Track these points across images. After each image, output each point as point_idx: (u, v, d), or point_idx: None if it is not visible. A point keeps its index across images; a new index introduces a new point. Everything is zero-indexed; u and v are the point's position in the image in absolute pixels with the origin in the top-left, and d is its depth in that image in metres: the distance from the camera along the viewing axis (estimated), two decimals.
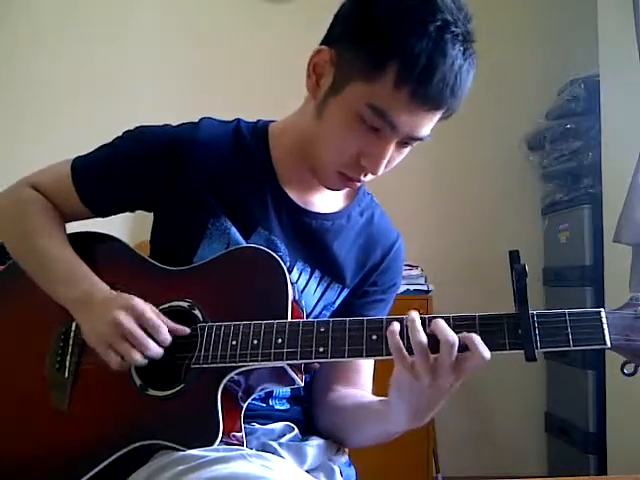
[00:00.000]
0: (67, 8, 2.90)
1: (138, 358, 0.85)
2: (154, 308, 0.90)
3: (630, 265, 2.03)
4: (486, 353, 0.75)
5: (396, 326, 0.78)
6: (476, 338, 0.76)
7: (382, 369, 1.02)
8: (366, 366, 1.06)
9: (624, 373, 0.79)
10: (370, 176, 0.93)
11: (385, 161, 0.89)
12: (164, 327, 0.88)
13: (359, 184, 0.96)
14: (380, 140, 0.88)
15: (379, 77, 0.83)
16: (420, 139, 0.89)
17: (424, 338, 0.76)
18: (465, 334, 0.76)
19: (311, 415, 1.05)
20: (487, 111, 2.95)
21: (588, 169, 2.57)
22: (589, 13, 2.56)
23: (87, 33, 2.90)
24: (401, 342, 0.77)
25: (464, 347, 0.76)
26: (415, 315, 0.78)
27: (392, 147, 0.89)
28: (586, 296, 2.44)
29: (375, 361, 1.04)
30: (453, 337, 0.75)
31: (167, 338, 0.87)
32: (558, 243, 2.73)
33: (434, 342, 0.76)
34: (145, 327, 0.87)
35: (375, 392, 1.04)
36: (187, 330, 0.89)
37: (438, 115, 0.87)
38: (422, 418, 0.83)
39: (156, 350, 0.86)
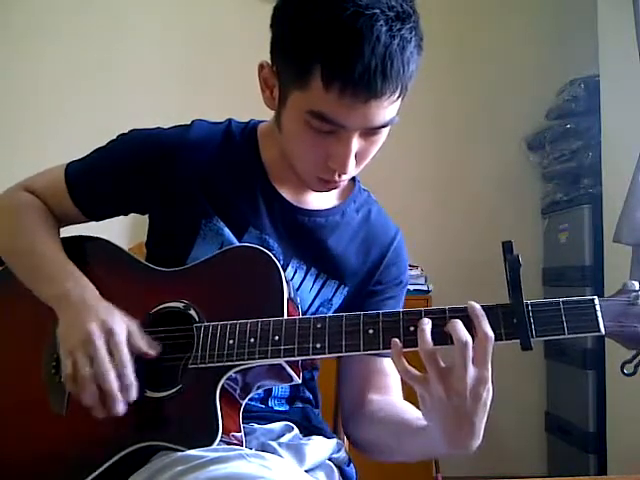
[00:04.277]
0: (66, 8, 2.90)
1: (88, 377, 0.82)
2: (135, 330, 0.87)
3: (630, 265, 2.03)
4: (489, 332, 0.75)
5: (397, 345, 0.77)
6: (480, 315, 0.76)
7: None
8: (391, 367, 1.04)
9: (624, 373, 0.79)
10: (346, 176, 0.91)
11: (351, 159, 0.87)
12: (129, 370, 0.83)
13: (340, 184, 0.95)
14: (338, 141, 0.85)
15: (308, 83, 0.81)
16: (383, 126, 0.86)
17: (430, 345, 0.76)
18: (471, 308, 0.77)
19: (345, 427, 1.05)
20: (487, 111, 2.96)
21: (588, 169, 2.57)
22: (589, 13, 2.56)
23: (85, 33, 2.90)
24: (407, 364, 0.77)
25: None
26: (427, 326, 0.77)
27: (354, 143, 0.86)
28: (586, 296, 2.43)
29: None
30: (465, 336, 0.75)
31: (130, 384, 0.83)
32: (558, 243, 2.73)
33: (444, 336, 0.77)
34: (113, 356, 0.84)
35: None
36: (154, 353, 0.87)
37: (385, 100, 0.81)
38: (464, 440, 0.77)
39: (111, 385, 0.82)
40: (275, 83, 0.89)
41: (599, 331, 0.76)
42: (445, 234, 2.92)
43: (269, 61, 0.90)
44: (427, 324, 0.78)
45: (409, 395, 1.02)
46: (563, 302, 0.78)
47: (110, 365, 0.83)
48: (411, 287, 2.51)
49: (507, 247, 0.78)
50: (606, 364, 2.34)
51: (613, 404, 2.33)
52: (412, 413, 0.93)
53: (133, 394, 0.83)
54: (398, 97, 0.84)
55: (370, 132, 0.87)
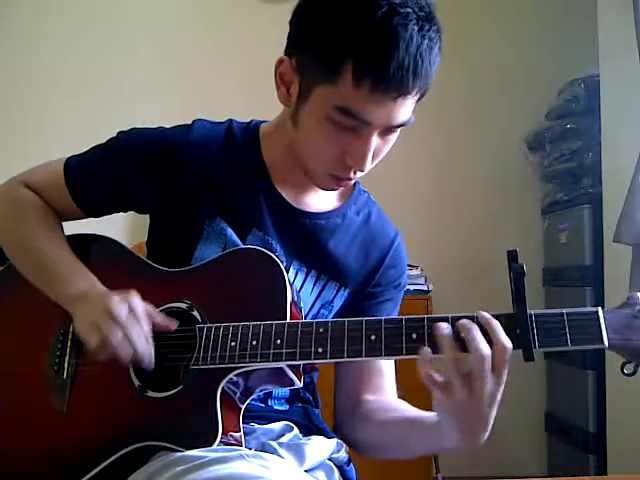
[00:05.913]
0: (68, 8, 2.91)
1: (119, 339, 0.84)
2: (150, 308, 0.89)
3: (630, 265, 2.03)
4: (507, 342, 0.75)
5: (427, 354, 0.77)
6: (496, 325, 0.76)
7: (402, 369, 1.03)
8: (387, 367, 1.05)
9: (624, 373, 0.79)
10: (361, 173, 0.92)
11: (370, 156, 0.88)
12: (147, 323, 0.87)
13: (352, 182, 0.96)
14: (359, 137, 0.86)
15: (338, 78, 0.82)
16: (402, 125, 0.88)
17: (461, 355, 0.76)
18: (487, 319, 0.76)
19: (340, 428, 1.05)
20: (487, 111, 2.96)
21: (588, 169, 2.56)
22: (589, 13, 2.56)
23: (86, 33, 2.91)
24: (432, 371, 0.77)
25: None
26: (447, 331, 0.77)
27: (374, 140, 0.87)
28: (586, 296, 2.44)
29: (395, 360, 1.03)
30: (485, 350, 0.74)
31: (147, 332, 0.87)
32: (558, 243, 2.73)
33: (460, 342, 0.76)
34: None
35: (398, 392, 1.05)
36: (173, 327, 0.89)
37: (410, 99, 0.84)
38: (476, 436, 0.80)
39: (139, 341, 0.85)
40: (294, 79, 0.89)
41: (602, 344, 0.76)
42: (445, 234, 2.92)
43: (287, 56, 0.90)
44: (447, 329, 0.77)
45: (406, 396, 1.04)
46: (567, 313, 0.77)
47: (136, 324, 0.86)
48: (411, 287, 2.51)
49: (512, 256, 0.77)
50: (606, 364, 2.34)
51: (613, 404, 2.33)
52: (413, 411, 0.95)
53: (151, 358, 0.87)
54: (421, 96, 0.86)
55: (388, 131, 0.88)
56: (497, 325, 0.76)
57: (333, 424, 1.08)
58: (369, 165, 0.90)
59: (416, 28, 0.80)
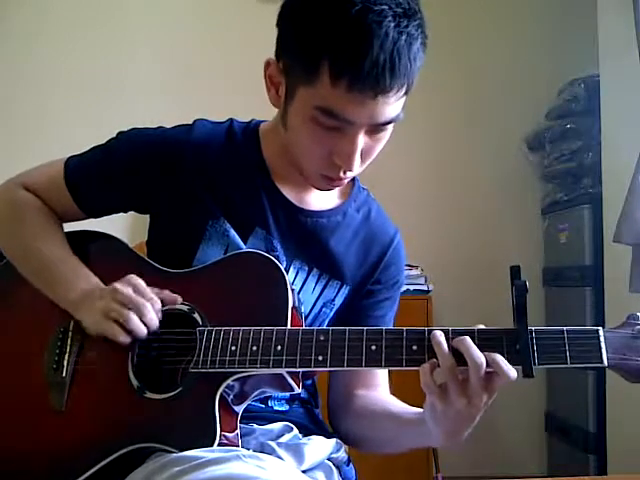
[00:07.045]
0: (68, 8, 2.91)
1: (136, 322, 0.86)
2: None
3: (630, 265, 2.03)
4: (512, 373, 0.76)
5: (427, 363, 0.78)
6: (500, 359, 0.76)
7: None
8: None
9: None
10: (351, 173, 0.91)
11: (357, 155, 0.87)
12: (156, 299, 0.89)
13: (344, 182, 0.95)
14: (345, 137, 0.86)
15: (316, 79, 0.82)
16: (388, 123, 0.87)
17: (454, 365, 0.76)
18: (488, 354, 0.76)
19: (331, 421, 1.06)
20: (487, 111, 2.96)
21: (588, 169, 2.56)
22: (589, 13, 2.56)
23: (87, 32, 2.91)
24: (431, 380, 0.77)
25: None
26: (442, 338, 0.78)
27: (360, 139, 0.86)
28: (586, 296, 2.44)
29: None
30: (480, 358, 0.75)
31: (158, 306, 0.89)
32: (558, 243, 2.73)
33: (458, 357, 0.77)
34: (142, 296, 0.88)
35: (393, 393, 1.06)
36: (179, 300, 0.91)
37: (392, 97, 0.83)
38: (460, 436, 0.83)
39: (152, 318, 0.87)
40: (281, 80, 0.90)
41: (602, 362, 0.76)
42: (445, 234, 2.92)
43: (275, 59, 0.90)
44: (441, 336, 0.78)
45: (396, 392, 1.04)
46: (567, 331, 0.77)
47: (145, 302, 0.87)
48: (411, 287, 2.52)
49: (514, 272, 0.77)
50: None
51: (613, 404, 2.33)
52: (403, 408, 0.96)
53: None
54: (404, 93, 0.85)
55: (376, 129, 0.87)
56: (500, 361, 0.76)
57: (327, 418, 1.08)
58: (358, 164, 0.89)
59: (392, 25, 0.79)
